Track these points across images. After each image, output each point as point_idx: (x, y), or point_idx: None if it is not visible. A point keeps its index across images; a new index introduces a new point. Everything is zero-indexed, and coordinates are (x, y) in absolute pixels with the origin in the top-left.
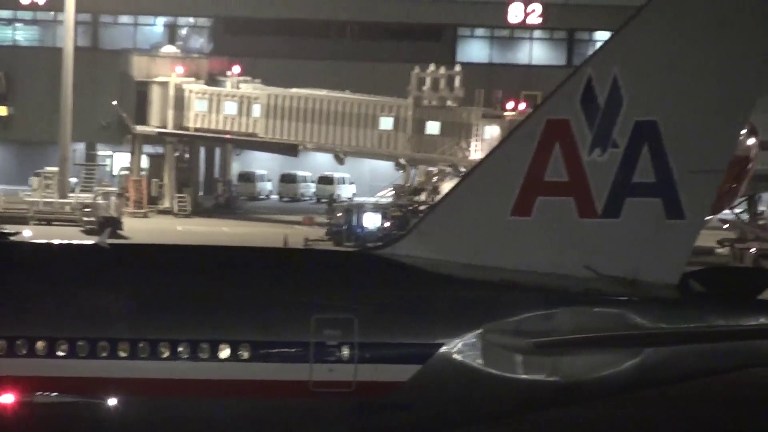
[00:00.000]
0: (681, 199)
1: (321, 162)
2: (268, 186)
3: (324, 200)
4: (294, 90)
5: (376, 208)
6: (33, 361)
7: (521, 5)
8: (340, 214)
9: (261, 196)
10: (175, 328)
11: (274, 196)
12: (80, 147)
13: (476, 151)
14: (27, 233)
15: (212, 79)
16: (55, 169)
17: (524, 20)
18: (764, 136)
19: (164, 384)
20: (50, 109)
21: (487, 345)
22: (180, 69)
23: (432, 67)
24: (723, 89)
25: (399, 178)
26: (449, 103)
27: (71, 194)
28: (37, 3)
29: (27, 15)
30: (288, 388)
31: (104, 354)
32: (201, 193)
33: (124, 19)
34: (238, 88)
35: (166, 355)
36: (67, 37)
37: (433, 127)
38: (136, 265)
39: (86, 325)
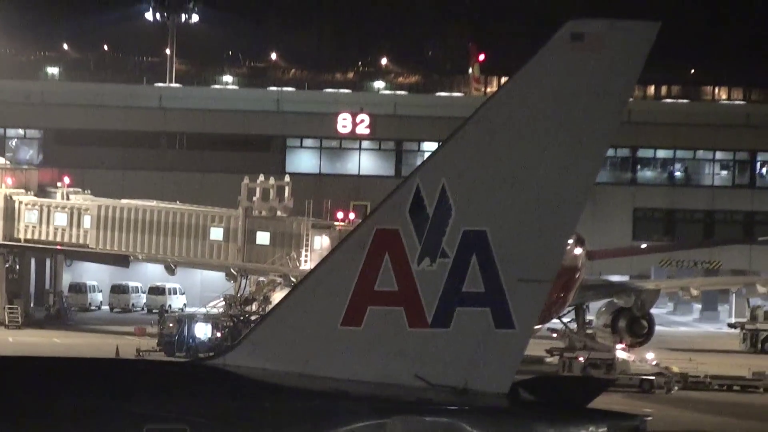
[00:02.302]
0: (510, 309)
1: (152, 272)
2: (99, 297)
3: (155, 311)
4: (124, 201)
5: (207, 318)
6: None
7: (349, 116)
8: (171, 325)
9: (92, 307)
10: None
11: (105, 307)
12: None
13: (306, 261)
14: None
15: (42, 190)
16: None
17: (353, 130)
18: (590, 245)
19: None
20: None
21: None
22: (10, 180)
23: (261, 178)
24: (550, 199)
25: (230, 288)
26: (279, 213)
27: None
28: None
29: None
30: None
31: None
32: (32, 305)
33: None
34: (68, 199)
35: None
36: None
37: (263, 238)
38: None
39: None
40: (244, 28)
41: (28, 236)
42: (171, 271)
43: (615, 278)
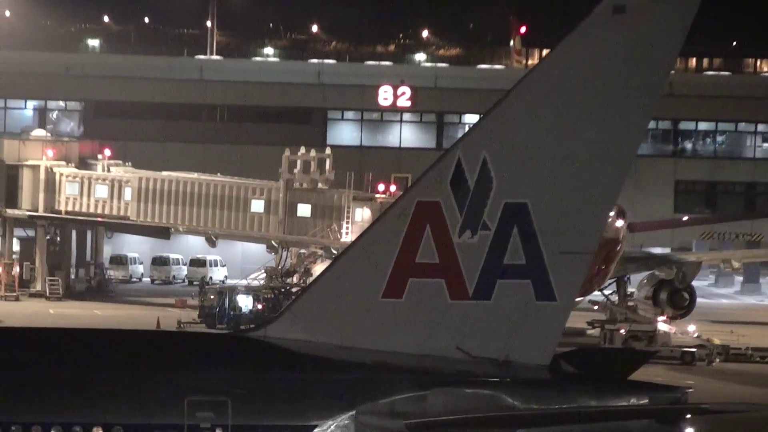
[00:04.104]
0: (551, 281)
1: (193, 244)
2: (140, 269)
3: (196, 283)
4: (165, 173)
5: (249, 290)
6: None
7: (390, 88)
8: (212, 297)
9: (133, 279)
10: (47, 412)
11: (146, 279)
12: None
13: (347, 234)
14: None
15: (83, 163)
16: None
17: (394, 103)
18: (631, 217)
19: None
20: None
21: (359, 427)
22: (51, 152)
23: (303, 150)
24: (591, 171)
25: (271, 260)
26: (320, 185)
27: None
28: None
29: None
30: None
31: None
32: (73, 276)
33: None
34: (108, 171)
35: None
36: None
37: (304, 210)
38: (8, 348)
39: None
40: (284, 0)
41: (69, 208)
42: (212, 243)
43: (656, 250)
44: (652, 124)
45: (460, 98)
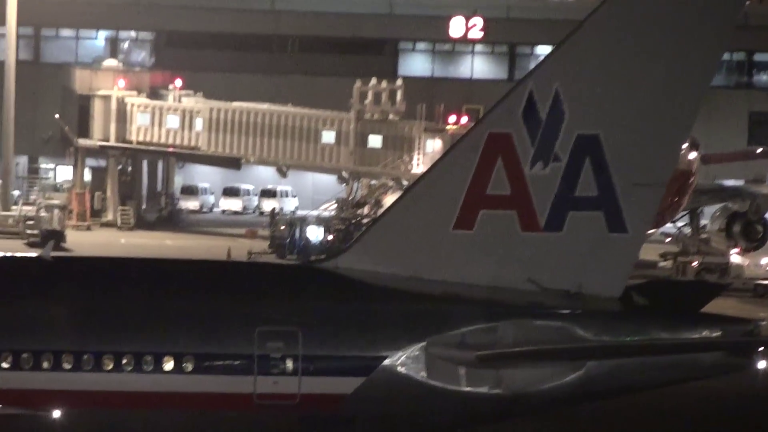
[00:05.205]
0: (623, 213)
1: (263, 175)
2: (211, 199)
3: (266, 213)
4: (236, 104)
5: (319, 221)
6: None
7: (462, 19)
8: (283, 227)
9: (204, 209)
10: (118, 341)
11: (217, 209)
12: (23, 160)
13: (418, 165)
14: None
15: (154, 93)
16: None
17: (466, 34)
18: (705, 149)
19: (108, 396)
20: None
21: (430, 358)
22: (122, 82)
23: (374, 81)
24: (665, 103)
25: (342, 191)
26: (391, 116)
27: (14, 207)
28: None
29: None
30: (232, 401)
31: (48, 366)
32: (144, 206)
33: (66, 32)
34: (180, 101)
35: (110, 367)
36: (9, 50)
37: (375, 141)
38: (79, 278)
39: (30, 337)
40: None
41: (140, 138)
42: (282, 173)
43: (730, 183)
44: (726, 56)
45: (532, 29)
